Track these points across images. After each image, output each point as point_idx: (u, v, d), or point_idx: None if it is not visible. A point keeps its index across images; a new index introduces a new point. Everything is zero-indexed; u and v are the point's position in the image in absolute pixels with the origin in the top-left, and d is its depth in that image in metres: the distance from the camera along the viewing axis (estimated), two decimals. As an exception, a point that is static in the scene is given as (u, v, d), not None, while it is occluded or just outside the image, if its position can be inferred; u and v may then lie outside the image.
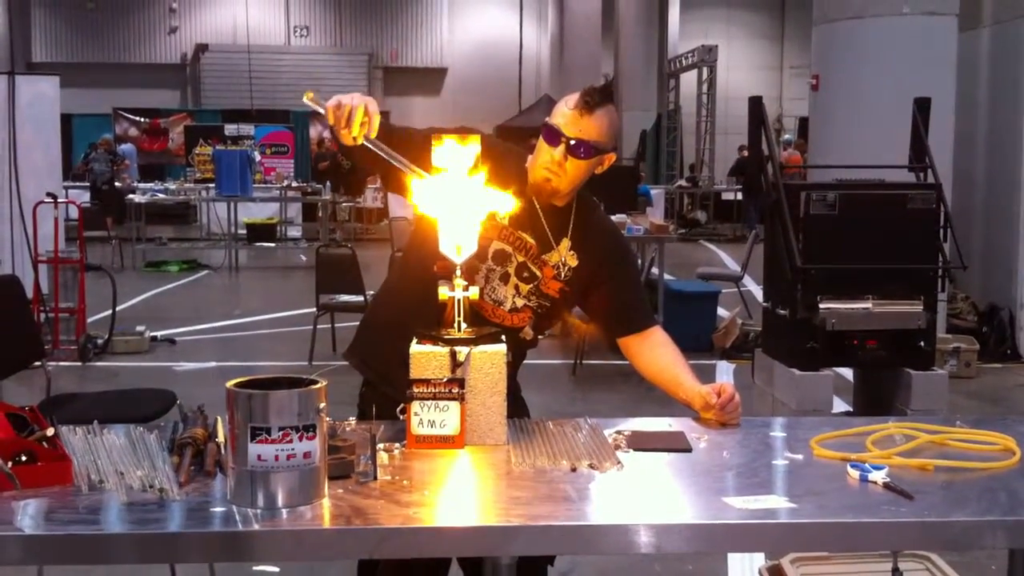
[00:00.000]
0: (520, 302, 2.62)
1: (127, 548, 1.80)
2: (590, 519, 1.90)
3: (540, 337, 2.73)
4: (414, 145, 2.44)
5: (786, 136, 21.95)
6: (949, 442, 2.30)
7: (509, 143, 2.75)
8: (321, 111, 2.26)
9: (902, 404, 5.29)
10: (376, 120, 2.30)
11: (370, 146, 2.32)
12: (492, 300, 2.61)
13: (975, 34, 8.58)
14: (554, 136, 2.53)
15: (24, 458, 1.98)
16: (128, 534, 1.79)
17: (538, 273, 2.63)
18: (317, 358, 7.72)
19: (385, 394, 2.53)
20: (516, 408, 2.54)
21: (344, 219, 17.87)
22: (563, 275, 2.64)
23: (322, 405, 1.90)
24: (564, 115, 2.54)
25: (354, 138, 2.28)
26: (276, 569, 3.90)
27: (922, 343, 5.32)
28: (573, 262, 2.64)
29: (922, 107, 5.81)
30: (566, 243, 2.64)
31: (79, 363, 7.69)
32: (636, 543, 1.84)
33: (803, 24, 18.68)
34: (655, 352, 2.66)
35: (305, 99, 2.23)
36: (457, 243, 2.32)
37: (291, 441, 1.85)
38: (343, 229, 17.82)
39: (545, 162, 2.55)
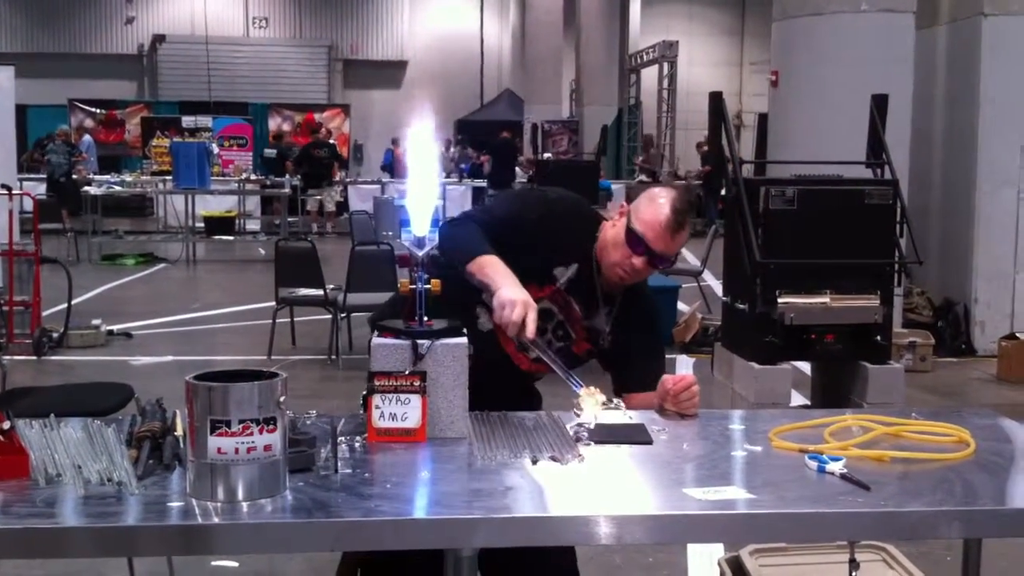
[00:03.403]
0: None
1: (85, 542, 1.79)
2: (551, 511, 1.91)
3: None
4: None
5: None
6: (905, 434, 2.33)
7: (573, 202, 2.75)
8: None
9: (859, 397, 5.36)
10: (531, 325, 2.37)
11: (532, 346, 2.46)
12: (520, 345, 2.60)
13: (932, 32, 8.68)
14: (640, 246, 2.57)
15: (-21, 452, 1.95)
16: (85, 527, 1.77)
17: (573, 336, 2.70)
18: (276, 352, 7.68)
19: None
20: (531, 405, 2.73)
21: (315, 210, 17.77)
22: (601, 342, 2.71)
23: (282, 398, 1.89)
24: (655, 231, 2.56)
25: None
26: (235, 564, 3.88)
27: (879, 337, 5.38)
28: (610, 336, 2.71)
29: (880, 104, 5.88)
30: (607, 315, 2.70)
31: (34, 357, 7.59)
32: (596, 534, 1.85)
33: (763, 20, 18.79)
34: (648, 398, 2.65)
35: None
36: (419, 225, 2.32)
37: (251, 434, 1.84)
38: (318, 221, 17.73)
39: (623, 264, 2.60)
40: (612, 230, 2.64)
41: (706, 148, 16.78)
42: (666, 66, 22.87)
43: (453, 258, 2.49)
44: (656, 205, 2.58)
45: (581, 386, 2.47)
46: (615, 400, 2.54)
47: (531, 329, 2.35)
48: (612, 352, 2.75)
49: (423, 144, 2.35)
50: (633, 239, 2.57)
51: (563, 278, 2.64)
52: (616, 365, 2.79)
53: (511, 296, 2.36)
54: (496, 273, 2.43)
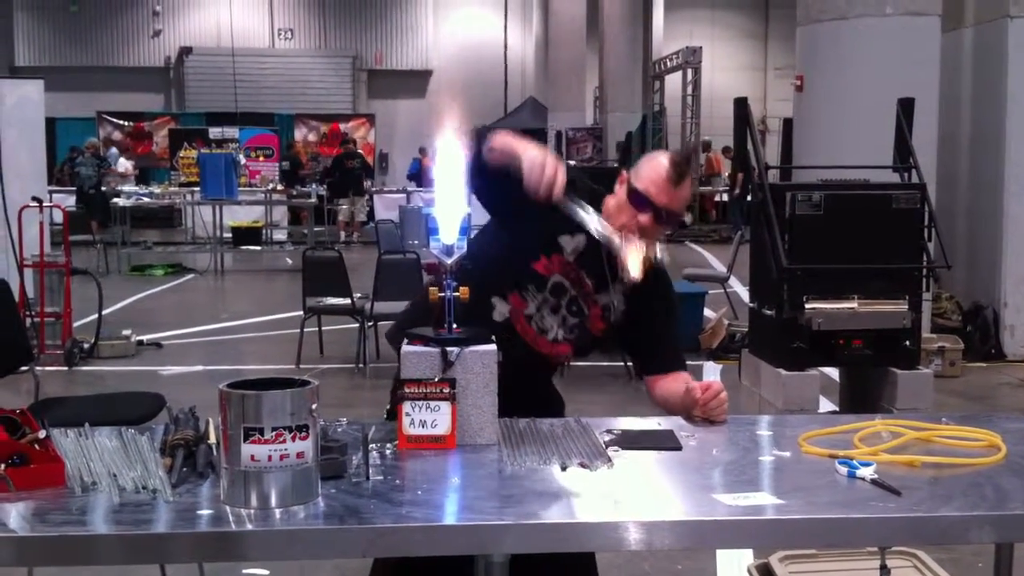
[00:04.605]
0: (562, 335, 2.68)
1: (120, 549, 1.80)
2: (581, 517, 1.91)
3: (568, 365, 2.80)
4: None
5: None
6: (935, 439, 2.33)
7: (588, 180, 2.77)
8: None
9: (887, 403, 5.33)
10: (560, 187, 2.36)
11: (561, 206, 2.42)
12: (537, 328, 2.66)
13: (958, 34, 8.64)
14: (643, 203, 2.59)
15: (17, 460, 1.98)
16: (121, 535, 1.79)
17: (586, 311, 2.70)
18: (304, 361, 7.72)
19: None
20: (553, 408, 2.73)
21: (345, 220, 17.89)
22: (612, 316, 2.71)
23: (314, 405, 1.90)
24: (655, 183, 2.58)
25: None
26: (266, 572, 3.90)
27: (907, 342, 5.36)
28: (623, 306, 2.71)
29: (906, 107, 5.86)
30: (620, 287, 2.70)
31: (65, 368, 7.67)
32: (626, 540, 1.85)
33: (787, 25, 18.73)
34: (672, 387, 2.69)
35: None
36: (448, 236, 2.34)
37: (284, 441, 1.85)
38: (347, 230, 17.84)
39: (629, 225, 2.59)
40: (614, 198, 2.67)
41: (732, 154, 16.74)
42: (690, 72, 22.81)
43: (472, 162, 2.47)
44: (655, 162, 2.63)
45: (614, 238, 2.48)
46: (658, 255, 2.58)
47: (560, 186, 2.35)
48: (628, 331, 2.75)
49: (451, 153, 2.36)
50: (636, 198, 2.60)
51: (569, 248, 2.64)
52: (635, 347, 2.82)
53: (539, 155, 2.36)
54: (517, 141, 2.44)
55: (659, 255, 2.59)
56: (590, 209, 2.49)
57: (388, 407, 2.60)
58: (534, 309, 2.65)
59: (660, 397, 2.74)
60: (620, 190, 2.66)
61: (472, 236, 2.67)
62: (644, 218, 2.58)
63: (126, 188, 17.41)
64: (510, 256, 2.64)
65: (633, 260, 2.46)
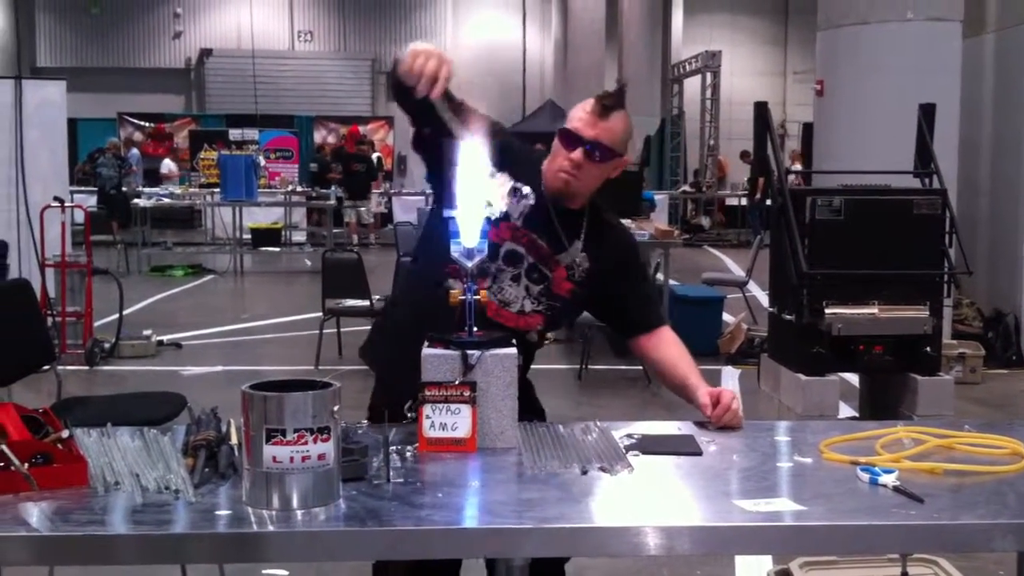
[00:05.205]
0: (530, 305, 2.63)
1: (141, 549, 1.81)
2: (600, 521, 1.91)
3: (546, 341, 2.75)
4: (464, 119, 2.46)
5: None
6: (958, 446, 2.31)
7: (525, 144, 2.77)
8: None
9: (908, 409, 5.31)
10: (444, 83, 2.33)
11: (436, 104, 2.36)
12: (498, 300, 2.61)
13: (979, 40, 8.60)
14: (571, 140, 2.57)
15: (40, 460, 2.00)
16: (142, 535, 1.80)
17: (549, 274, 2.64)
18: (323, 362, 7.74)
19: (396, 392, 2.51)
20: (530, 407, 2.58)
21: (354, 221, 17.95)
22: (576, 276, 2.66)
23: (336, 407, 1.91)
24: (581, 119, 2.57)
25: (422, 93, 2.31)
26: (286, 573, 3.92)
27: (928, 348, 5.33)
28: (585, 264, 2.66)
29: (927, 113, 5.83)
30: (578, 245, 2.66)
31: (86, 367, 7.71)
32: (646, 545, 1.85)
33: (806, 29, 18.68)
34: (663, 352, 2.69)
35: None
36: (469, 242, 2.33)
37: (306, 443, 1.86)
38: (358, 232, 17.90)
39: (562, 166, 2.58)
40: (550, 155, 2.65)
41: (751, 159, 16.63)
42: (709, 76, 22.79)
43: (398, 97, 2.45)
44: (582, 102, 2.61)
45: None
46: None
47: (441, 83, 2.31)
48: (599, 294, 2.71)
49: (471, 156, 2.36)
50: (565, 136, 2.58)
51: (516, 213, 2.58)
52: (610, 309, 2.78)
53: (421, 45, 2.32)
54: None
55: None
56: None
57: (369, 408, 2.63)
58: (491, 281, 2.60)
59: (655, 372, 2.72)
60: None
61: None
62: (576, 155, 2.55)
63: (172, 190, 17.50)
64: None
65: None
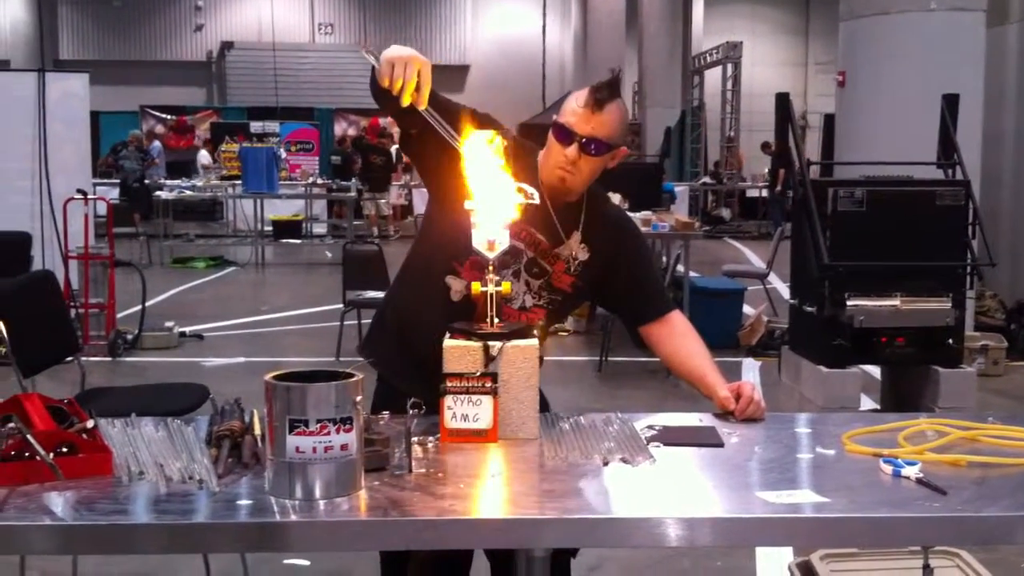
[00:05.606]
0: (530, 301, 2.62)
1: (165, 538, 1.82)
2: (622, 512, 1.91)
3: (563, 333, 2.75)
4: (451, 119, 2.44)
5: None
6: (981, 438, 2.30)
7: (520, 138, 2.74)
8: (376, 64, 2.29)
9: (930, 402, 5.28)
10: (427, 89, 2.32)
11: (424, 114, 2.35)
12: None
13: (1003, 30, 8.53)
14: (566, 135, 2.54)
15: (65, 449, 2.01)
16: (165, 524, 1.81)
17: (548, 268, 2.63)
18: (344, 354, 7.76)
19: (397, 389, 2.51)
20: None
21: (373, 213, 18.00)
22: (573, 269, 2.63)
23: (359, 398, 1.92)
24: (575, 113, 2.54)
25: (407, 103, 2.30)
26: (307, 563, 3.94)
27: (950, 340, 5.31)
28: (583, 255, 2.64)
29: (950, 103, 5.80)
30: (576, 236, 2.64)
31: (109, 358, 7.76)
32: (667, 536, 1.85)
33: (828, 20, 18.58)
34: (677, 343, 2.66)
35: (363, 53, 2.25)
36: (488, 237, 2.33)
37: (329, 433, 1.87)
38: (377, 224, 17.94)
39: (558, 161, 2.55)
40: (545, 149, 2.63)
41: (772, 149, 16.59)
42: (730, 67, 22.69)
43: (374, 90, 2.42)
44: (576, 94, 2.58)
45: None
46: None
47: (423, 92, 2.29)
48: (604, 284, 2.68)
49: (492, 148, 2.36)
50: (559, 131, 2.55)
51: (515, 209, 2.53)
52: (616, 298, 2.76)
53: (399, 52, 2.30)
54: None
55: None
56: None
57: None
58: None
59: (670, 363, 2.69)
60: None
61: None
62: (570, 151, 2.52)
63: (196, 182, 17.59)
64: (452, 230, 2.51)
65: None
